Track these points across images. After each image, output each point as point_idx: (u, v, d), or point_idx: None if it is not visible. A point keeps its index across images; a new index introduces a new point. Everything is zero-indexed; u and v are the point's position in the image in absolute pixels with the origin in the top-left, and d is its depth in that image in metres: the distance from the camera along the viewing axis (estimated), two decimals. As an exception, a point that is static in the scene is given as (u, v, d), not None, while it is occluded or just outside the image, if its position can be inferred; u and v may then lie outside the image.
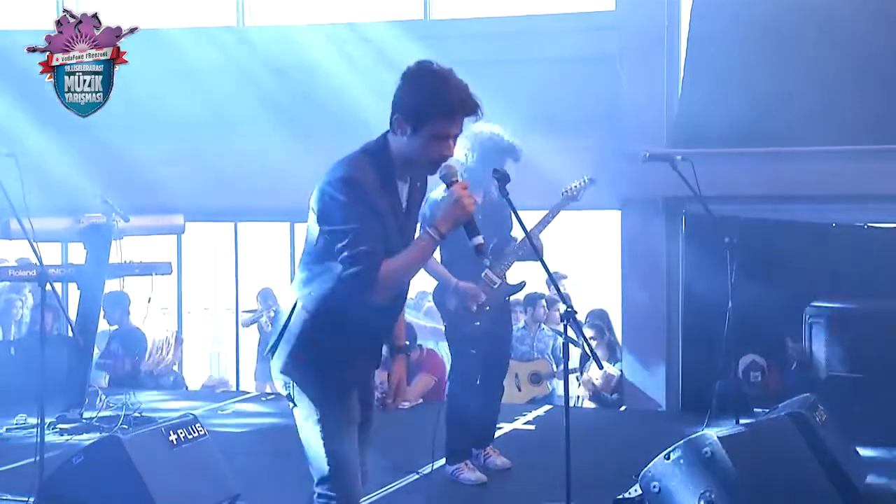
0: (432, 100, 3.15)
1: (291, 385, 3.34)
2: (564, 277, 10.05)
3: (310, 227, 3.31)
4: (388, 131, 3.27)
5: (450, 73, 3.20)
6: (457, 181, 3.22)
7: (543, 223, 5.65)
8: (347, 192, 3.14)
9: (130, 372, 8.65)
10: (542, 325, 9.04)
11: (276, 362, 3.37)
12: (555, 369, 8.73)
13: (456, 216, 3.19)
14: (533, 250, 4.66)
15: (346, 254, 3.14)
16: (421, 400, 7.83)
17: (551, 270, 4.00)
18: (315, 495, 3.35)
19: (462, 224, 3.22)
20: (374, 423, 3.57)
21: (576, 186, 5.80)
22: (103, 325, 8.00)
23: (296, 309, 3.32)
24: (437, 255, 5.39)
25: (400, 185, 3.30)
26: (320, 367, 3.30)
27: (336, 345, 3.28)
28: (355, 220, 3.13)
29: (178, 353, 9.09)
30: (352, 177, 3.16)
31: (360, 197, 3.14)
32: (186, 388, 9.19)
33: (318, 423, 3.30)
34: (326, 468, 3.30)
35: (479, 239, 3.24)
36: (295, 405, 3.37)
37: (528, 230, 5.40)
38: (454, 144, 3.23)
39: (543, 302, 9.05)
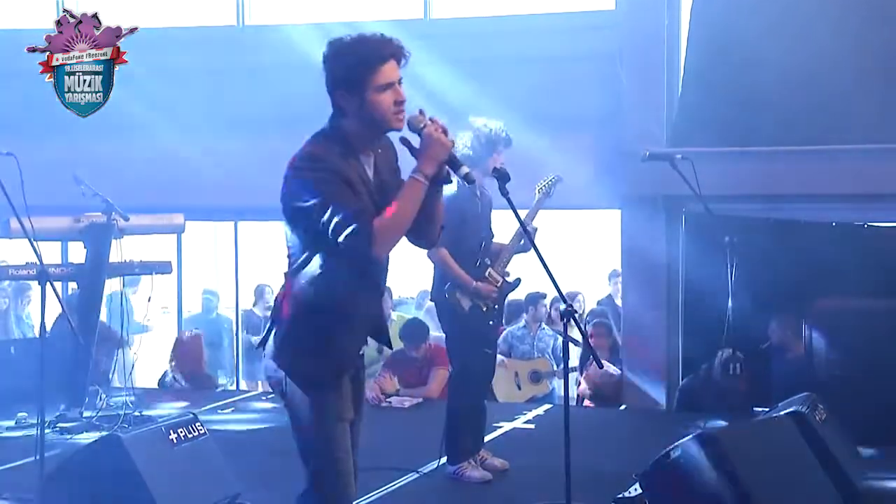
0: (358, 57, 3.22)
1: (284, 379, 3.34)
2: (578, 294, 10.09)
3: (286, 234, 3.34)
4: (331, 118, 3.32)
5: (360, 34, 3.28)
6: (426, 124, 3.26)
7: (529, 217, 5.67)
8: (312, 167, 3.20)
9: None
10: (543, 325, 9.04)
11: (268, 356, 3.39)
12: (555, 368, 8.74)
13: (437, 155, 3.24)
14: (528, 243, 4.69)
15: (335, 220, 3.15)
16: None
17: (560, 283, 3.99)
18: (304, 492, 3.36)
19: (444, 162, 3.27)
20: (363, 417, 3.55)
21: (548, 183, 5.83)
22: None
23: (283, 300, 3.35)
24: (451, 259, 5.45)
25: (364, 160, 3.32)
26: (310, 354, 3.30)
27: (324, 331, 3.29)
28: (332, 187, 3.17)
29: (205, 354, 9.04)
30: (311, 152, 3.23)
31: (326, 166, 3.19)
32: (216, 387, 9.17)
33: (310, 413, 3.30)
34: (317, 463, 3.31)
35: (465, 168, 3.30)
36: (286, 400, 3.37)
37: (518, 229, 5.49)
38: (399, 86, 3.27)
39: (545, 301, 9.05)
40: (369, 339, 3.53)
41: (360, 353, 3.49)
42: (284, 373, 3.34)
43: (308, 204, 3.19)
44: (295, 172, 3.23)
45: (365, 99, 3.23)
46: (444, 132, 3.27)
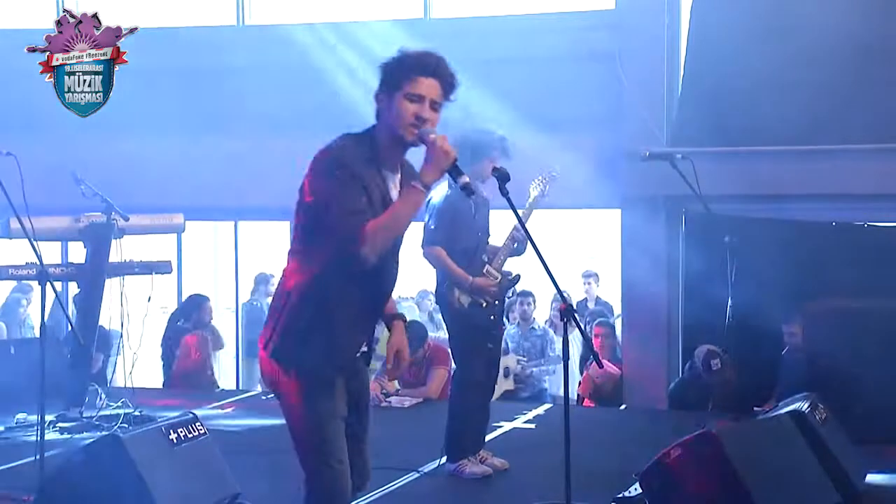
0: (398, 63, 3.31)
1: (278, 375, 3.35)
2: (593, 275, 10.10)
3: (292, 226, 3.40)
4: (371, 126, 3.38)
5: (417, 49, 3.34)
6: (434, 135, 3.28)
7: (526, 215, 5.67)
8: (329, 164, 3.24)
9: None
10: (536, 324, 9.05)
11: (265, 350, 3.39)
12: (519, 365, 8.73)
13: (440, 164, 3.25)
14: (524, 242, 4.67)
15: (333, 217, 3.20)
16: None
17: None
18: (302, 487, 3.37)
19: (447, 171, 3.29)
20: (370, 420, 3.57)
21: (542, 180, 5.84)
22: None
23: (281, 294, 3.38)
24: (446, 257, 5.46)
25: (388, 174, 3.35)
26: (306, 347, 3.30)
27: (321, 325, 3.30)
28: (339, 185, 3.20)
29: (212, 354, 9.02)
30: (332, 151, 3.27)
31: (343, 164, 3.22)
32: (218, 388, 9.16)
33: (303, 409, 3.31)
34: (311, 462, 3.31)
35: (465, 178, 3.32)
36: (280, 397, 3.38)
37: (514, 225, 5.50)
38: (432, 110, 3.30)
39: (531, 300, 9.05)
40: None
41: (359, 353, 3.47)
42: (280, 367, 3.35)
43: (314, 199, 3.24)
44: (314, 164, 3.28)
45: (394, 101, 3.28)
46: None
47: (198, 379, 8.73)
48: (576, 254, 10.79)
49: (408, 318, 8.41)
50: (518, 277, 5.81)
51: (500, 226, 5.67)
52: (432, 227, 5.46)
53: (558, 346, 8.86)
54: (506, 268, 5.71)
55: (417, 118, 3.26)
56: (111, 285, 7.29)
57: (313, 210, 3.27)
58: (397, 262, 3.46)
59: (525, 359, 8.84)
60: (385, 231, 3.23)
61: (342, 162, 3.22)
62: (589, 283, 10.26)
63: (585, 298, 10.28)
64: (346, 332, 3.35)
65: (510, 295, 8.03)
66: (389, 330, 3.55)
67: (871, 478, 5.32)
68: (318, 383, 3.32)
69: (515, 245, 5.65)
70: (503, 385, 8.55)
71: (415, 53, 3.32)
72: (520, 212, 3.84)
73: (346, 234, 3.19)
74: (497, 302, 5.66)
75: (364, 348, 3.49)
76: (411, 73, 3.27)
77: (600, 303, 10.18)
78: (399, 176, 3.38)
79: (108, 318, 7.39)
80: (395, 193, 3.35)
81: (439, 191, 5.52)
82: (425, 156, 3.28)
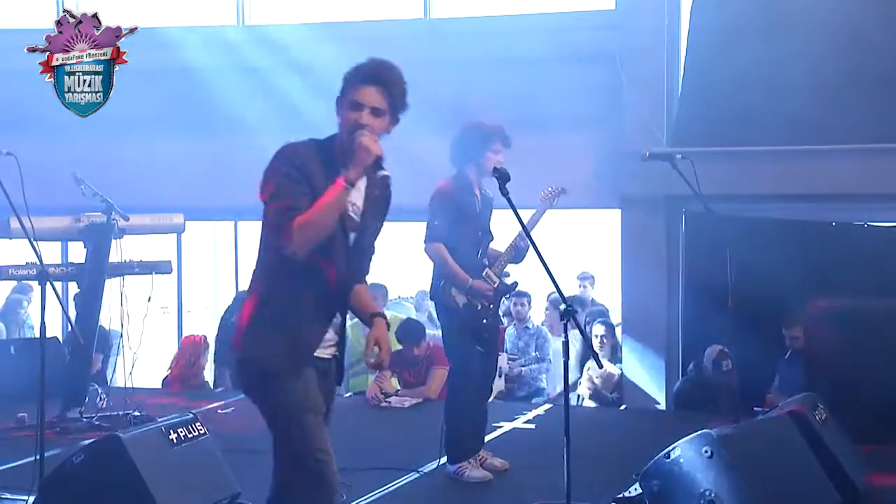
0: (349, 74, 3.46)
1: (248, 378, 3.40)
2: (589, 277, 10.10)
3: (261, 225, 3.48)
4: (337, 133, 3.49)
5: (375, 59, 3.47)
6: (361, 136, 3.35)
7: (531, 224, 5.68)
8: (278, 160, 3.35)
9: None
10: (530, 323, 9.05)
11: (237, 355, 3.44)
12: (512, 366, 8.74)
13: (364, 160, 3.32)
14: (525, 250, 4.68)
15: (269, 211, 3.34)
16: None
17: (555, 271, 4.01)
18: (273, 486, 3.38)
19: (370, 167, 3.35)
20: (332, 409, 3.58)
21: (551, 193, 5.87)
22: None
23: (247, 297, 3.48)
24: (448, 255, 5.48)
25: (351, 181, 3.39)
26: (268, 343, 3.35)
27: (279, 320, 3.36)
28: (283, 184, 3.30)
29: (207, 357, 9.00)
30: (285, 151, 3.37)
31: (289, 161, 3.33)
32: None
33: (275, 404, 3.34)
34: (297, 453, 3.31)
35: (384, 172, 3.41)
36: (258, 402, 3.40)
37: (518, 232, 5.50)
38: (373, 116, 3.39)
39: (525, 300, 9.05)
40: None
41: (330, 352, 3.49)
42: (247, 369, 3.40)
43: (264, 199, 3.36)
44: (267, 167, 3.38)
45: (342, 109, 3.43)
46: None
47: (189, 382, 8.70)
48: (575, 254, 10.78)
49: (406, 318, 8.42)
50: (515, 285, 5.86)
51: (504, 229, 5.68)
52: (435, 222, 5.48)
53: (554, 344, 8.88)
54: (504, 272, 5.73)
55: (356, 124, 3.36)
56: (111, 285, 7.28)
57: (264, 206, 3.39)
58: (361, 252, 3.50)
59: (516, 357, 8.84)
60: (309, 226, 3.27)
61: (292, 161, 3.33)
62: (584, 286, 10.25)
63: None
64: (304, 323, 3.39)
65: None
66: (367, 324, 3.58)
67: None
68: (286, 377, 3.34)
69: (515, 253, 5.66)
70: (496, 385, 8.55)
71: (363, 64, 3.45)
72: (524, 212, 3.84)
73: (275, 229, 3.30)
74: (491, 306, 5.65)
75: (334, 350, 3.51)
76: (354, 83, 3.41)
77: (595, 304, 10.17)
78: (364, 187, 3.44)
79: (108, 318, 7.38)
80: (357, 197, 3.42)
81: (441, 186, 5.54)
82: (352, 154, 3.35)
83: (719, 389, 6.85)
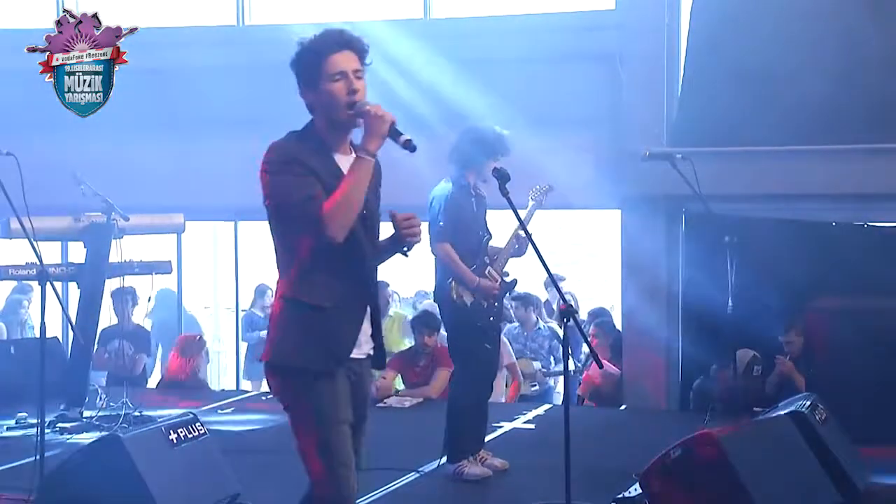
0: (310, 52, 3.33)
1: (281, 384, 3.35)
2: (563, 279, 10.05)
3: (271, 232, 3.41)
4: (310, 121, 3.42)
5: (325, 30, 3.37)
6: (368, 105, 3.29)
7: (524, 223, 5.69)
8: (274, 160, 3.29)
9: (143, 370, 8.58)
10: (539, 324, 9.04)
11: (266, 360, 3.39)
12: (540, 368, 8.71)
13: (380, 130, 3.27)
14: (525, 246, 4.68)
15: (291, 209, 3.25)
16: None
17: (551, 271, 4.02)
18: (308, 495, 3.35)
19: (388, 135, 3.29)
20: (368, 417, 3.53)
21: (539, 191, 5.87)
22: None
23: (275, 303, 3.40)
24: (455, 255, 5.50)
25: (341, 158, 3.36)
26: (299, 347, 3.30)
27: (310, 323, 3.29)
28: (289, 180, 3.25)
29: (204, 357, 8.99)
30: (276, 148, 3.32)
31: (287, 160, 3.27)
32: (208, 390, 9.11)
33: (306, 415, 3.29)
34: (316, 469, 3.28)
35: (406, 136, 3.32)
36: (287, 406, 3.36)
37: (516, 227, 5.52)
38: (357, 79, 3.32)
39: (530, 307, 9.02)
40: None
41: (366, 353, 3.44)
42: (279, 375, 3.34)
43: (272, 200, 3.30)
44: (263, 167, 3.32)
45: (321, 90, 3.32)
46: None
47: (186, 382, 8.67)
48: (575, 254, 10.78)
49: (408, 316, 8.34)
50: (515, 282, 5.87)
51: (499, 227, 5.69)
52: (441, 223, 5.49)
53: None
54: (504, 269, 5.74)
55: (350, 93, 3.29)
56: (111, 285, 7.29)
57: (273, 211, 3.32)
58: (376, 244, 3.46)
59: (535, 358, 8.80)
60: (342, 205, 3.23)
61: (288, 156, 3.27)
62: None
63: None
64: (336, 322, 3.32)
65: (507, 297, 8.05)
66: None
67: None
68: (318, 383, 3.28)
69: (517, 247, 5.68)
70: (522, 389, 8.55)
71: (313, 39, 3.34)
72: (523, 212, 3.85)
73: (308, 221, 3.22)
74: (496, 304, 5.69)
75: (370, 350, 3.45)
76: (323, 56, 3.30)
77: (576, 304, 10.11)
78: (353, 157, 3.36)
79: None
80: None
81: (442, 190, 5.55)
82: (364, 126, 3.30)
83: (747, 394, 6.85)
